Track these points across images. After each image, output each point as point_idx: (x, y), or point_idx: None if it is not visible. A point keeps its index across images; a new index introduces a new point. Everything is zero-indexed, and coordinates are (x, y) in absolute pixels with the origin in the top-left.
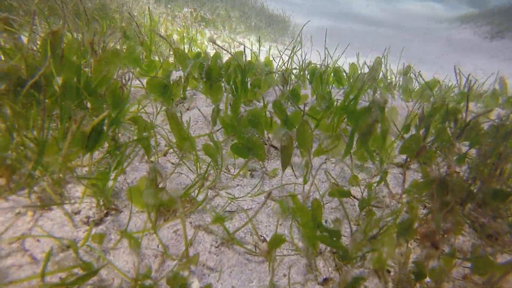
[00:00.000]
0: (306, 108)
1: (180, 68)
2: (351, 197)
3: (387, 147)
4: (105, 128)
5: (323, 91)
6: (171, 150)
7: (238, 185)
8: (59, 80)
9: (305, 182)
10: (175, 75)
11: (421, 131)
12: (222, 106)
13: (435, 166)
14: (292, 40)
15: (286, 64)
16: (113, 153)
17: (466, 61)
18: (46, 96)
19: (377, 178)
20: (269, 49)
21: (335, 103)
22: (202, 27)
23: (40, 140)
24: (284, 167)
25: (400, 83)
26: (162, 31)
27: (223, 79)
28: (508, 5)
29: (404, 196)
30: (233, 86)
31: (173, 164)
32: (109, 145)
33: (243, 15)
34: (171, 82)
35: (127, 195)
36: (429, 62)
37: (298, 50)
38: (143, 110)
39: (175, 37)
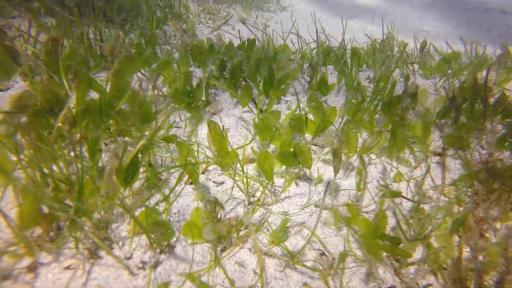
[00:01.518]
0: (336, 101)
1: (193, 64)
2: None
3: (426, 137)
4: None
5: (349, 78)
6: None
7: (286, 197)
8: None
9: (359, 190)
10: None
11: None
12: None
13: (476, 153)
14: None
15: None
16: (153, 181)
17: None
18: (62, 121)
19: (418, 171)
20: (257, 17)
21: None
22: None
23: (71, 180)
24: (336, 171)
25: (413, 57)
26: (144, 6)
27: (245, 75)
28: None
29: (447, 187)
30: (259, 83)
31: (215, 183)
32: (147, 173)
33: None
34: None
35: (182, 231)
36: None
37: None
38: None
39: (158, 12)
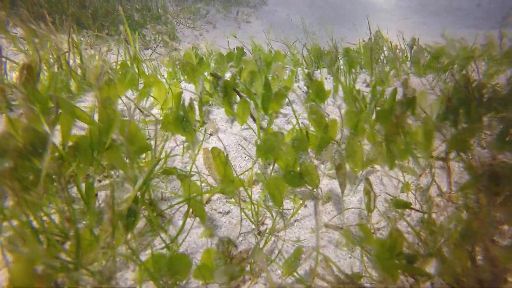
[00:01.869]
0: (333, 109)
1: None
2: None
3: (428, 143)
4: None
5: (345, 84)
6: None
7: (295, 220)
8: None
9: (369, 210)
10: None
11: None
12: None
13: (477, 156)
14: None
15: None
16: (156, 223)
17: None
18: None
19: (424, 178)
20: (237, 13)
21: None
22: None
23: (66, 231)
24: (342, 188)
25: (402, 54)
26: (120, 10)
27: (239, 88)
28: None
29: (453, 193)
30: (255, 96)
31: (220, 213)
32: (148, 214)
33: None
34: (186, 108)
35: (194, 274)
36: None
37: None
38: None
39: (136, 15)
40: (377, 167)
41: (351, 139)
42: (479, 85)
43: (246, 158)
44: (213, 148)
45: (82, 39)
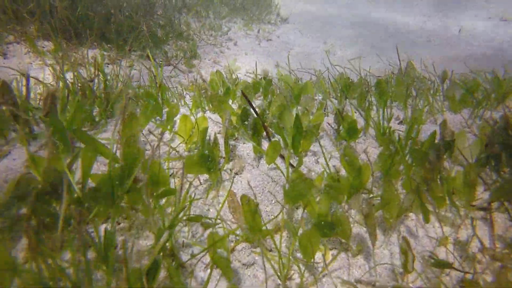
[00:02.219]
0: (364, 146)
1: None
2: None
3: (470, 194)
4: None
5: (377, 123)
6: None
7: (324, 275)
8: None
9: (406, 271)
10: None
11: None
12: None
13: None
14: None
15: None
16: (176, 276)
17: None
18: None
19: (464, 230)
20: (259, 31)
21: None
22: (185, 14)
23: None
24: (373, 240)
25: (433, 85)
26: (144, 26)
27: (267, 123)
28: None
29: (498, 249)
30: (284, 133)
31: (244, 265)
32: (169, 268)
33: None
34: (211, 144)
35: None
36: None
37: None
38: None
39: (159, 31)
40: (411, 214)
41: (387, 186)
42: None
43: (273, 201)
44: (243, 196)
45: (105, 53)
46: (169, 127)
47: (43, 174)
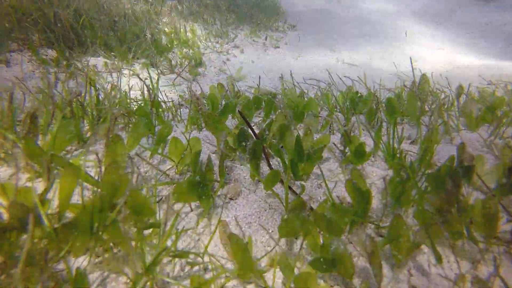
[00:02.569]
0: (373, 170)
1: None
2: None
3: (490, 228)
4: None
5: (387, 144)
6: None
7: None
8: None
9: None
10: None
11: None
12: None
13: None
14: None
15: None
16: None
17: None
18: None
19: (483, 267)
20: (266, 38)
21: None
22: (191, 22)
23: None
24: (379, 281)
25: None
26: (148, 33)
27: (267, 144)
28: None
29: None
30: (283, 156)
31: None
32: None
33: (233, 2)
34: (203, 169)
35: None
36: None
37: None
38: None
39: (164, 38)
40: (423, 246)
41: (396, 220)
42: None
43: (270, 230)
44: (231, 235)
45: (108, 61)
46: (160, 150)
47: (9, 208)
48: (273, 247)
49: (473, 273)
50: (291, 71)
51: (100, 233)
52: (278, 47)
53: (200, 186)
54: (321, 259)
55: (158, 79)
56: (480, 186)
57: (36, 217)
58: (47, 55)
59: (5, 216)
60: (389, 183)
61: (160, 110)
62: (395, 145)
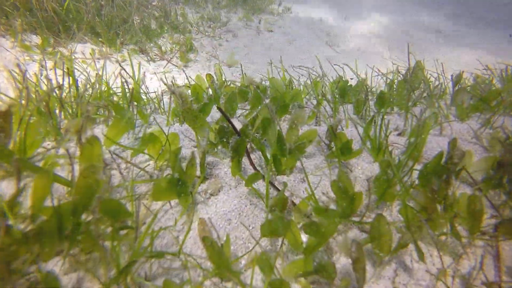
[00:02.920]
0: (359, 163)
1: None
2: None
3: (474, 225)
4: None
5: (374, 138)
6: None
7: None
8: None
9: None
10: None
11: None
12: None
13: None
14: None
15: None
16: None
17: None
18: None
19: (465, 261)
20: (260, 21)
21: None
22: (181, 4)
23: None
24: (361, 285)
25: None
26: (137, 18)
27: (249, 139)
28: None
29: (505, 283)
30: (265, 150)
31: None
32: None
33: None
34: (184, 166)
35: None
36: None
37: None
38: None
39: (153, 23)
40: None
41: (378, 220)
42: None
43: (251, 227)
44: (205, 237)
45: (95, 48)
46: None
47: None
48: (254, 246)
49: (454, 267)
50: (281, 56)
51: (74, 236)
52: (272, 31)
53: (179, 184)
54: (306, 265)
55: (139, 67)
56: (467, 179)
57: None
58: (30, 42)
59: None
60: (374, 180)
61: (142, 102)
62: (381, 140)
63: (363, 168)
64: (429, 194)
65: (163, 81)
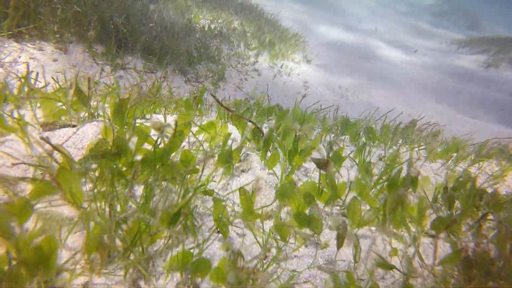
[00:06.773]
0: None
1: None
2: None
3: (421, 219)
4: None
5: (363, 157)
6: (236, 220)
7: (295, 256)
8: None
9: (355, 261)
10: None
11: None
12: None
13: (465, 238)
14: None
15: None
16: (191, 228)
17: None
18: (123, 164)
19: (413, 249)
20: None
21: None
22: (219, 41)
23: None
24: (339, 247)
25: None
26: (183, 46)
27: (275, 142)
28: None
29: (436, 267)
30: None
31: (238, 234)
32: (185, 220)
33: (259, 29)
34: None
35: (210, 275)
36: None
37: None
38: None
39: (194, 51)
40: (374, 229)
41: (353, 202)
42: (479, 189)
43: (267, 197)
44: (241, 188)
45: (144, 62)
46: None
47: (115, 141)
48: (271, 203)
49: (404, 251)
50: (297, 98)
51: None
52: (290, 75)
53: (228, 156)
54: (300, 216)
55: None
56: (423, 197)
57: (126, 149)
58: (97, 50)
59: None
60: (354, 181)
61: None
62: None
63: (351, 175)
64: (395, 196)
65: (211, 95)
